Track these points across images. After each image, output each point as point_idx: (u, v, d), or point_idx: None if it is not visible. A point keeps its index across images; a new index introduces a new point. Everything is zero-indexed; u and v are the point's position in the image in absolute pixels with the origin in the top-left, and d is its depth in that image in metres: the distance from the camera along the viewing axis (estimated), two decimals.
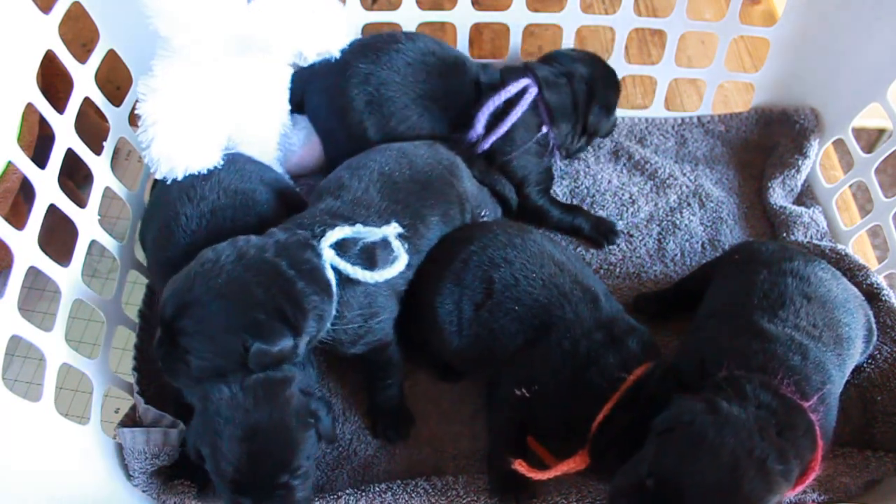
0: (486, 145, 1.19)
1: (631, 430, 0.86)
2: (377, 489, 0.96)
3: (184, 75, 1.03)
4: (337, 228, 0.92)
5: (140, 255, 1.15)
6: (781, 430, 0.79)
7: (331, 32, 1.16)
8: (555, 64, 1.24)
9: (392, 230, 0.95)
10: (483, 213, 1.16)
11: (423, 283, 1.03)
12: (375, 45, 1.19)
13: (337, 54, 1.17)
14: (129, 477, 0.96)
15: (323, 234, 0.91)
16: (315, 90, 1.21)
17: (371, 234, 0.94)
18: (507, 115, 1.17)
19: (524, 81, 1.20)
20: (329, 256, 0.90)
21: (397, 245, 0.95)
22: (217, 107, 1.07)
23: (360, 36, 1.34)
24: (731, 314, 0.95)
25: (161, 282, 1.03)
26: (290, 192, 1.14)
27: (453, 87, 1.20)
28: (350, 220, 0.95)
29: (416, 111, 1.17)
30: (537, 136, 1.20)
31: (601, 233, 1.26)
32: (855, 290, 1.01)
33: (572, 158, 1.35)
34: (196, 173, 1.05)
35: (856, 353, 0.95)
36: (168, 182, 1.05)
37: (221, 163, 1.07)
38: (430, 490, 0.96)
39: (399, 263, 0.94)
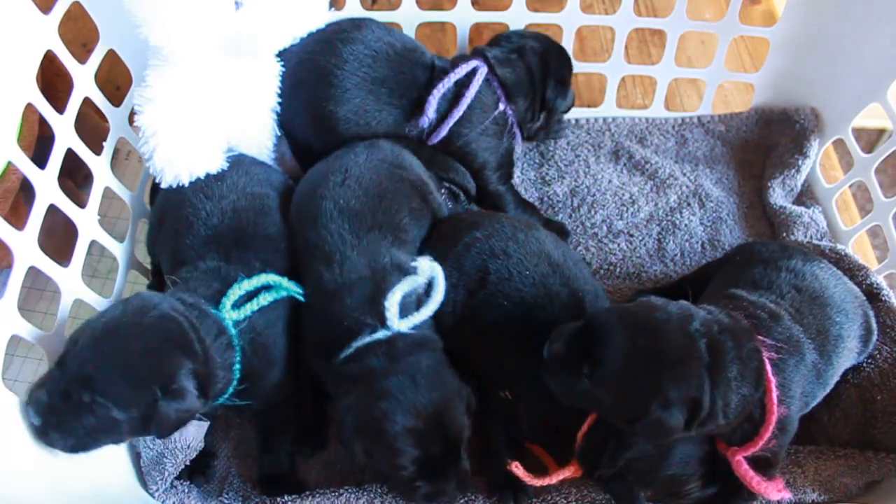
0: (444, 132, 1.17)
1: (618, 441, 0.87)
2: (379, 489, 0.96)
3: (177, 82, 1.03)
4: (392, 296, 0.90)
5: (140, 255, 1.15)
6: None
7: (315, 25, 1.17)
8: (504, 43, 1.23)
9: (427, 262, 0.94)
10: (442, 191, 1.17)
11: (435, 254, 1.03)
12: (321, 36, 1.17)
13: None
14: (144, 485, 0.97)
15: (385, 317, 0.90)
16: None
17: (419, 279, 0.93)
18: (461, 97, 1.16)
19: (473, 63, 1.19)
20: (404, 327, 0.91)
21: (432, 266, 0.95)
22: (213, 110, 1.07)
23: None
24: (715, 297, 0.95)
25: (168, 272, 1.02)
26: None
27: (403, 70, 1.17)
28: (366, 282, 0.94)
29: (359, 95, 1.15)
30: (494, 115, 1.19)
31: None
32: (857, 291, 1.01)
33: (534, 141, 1.34)
34: (208, 175, 1.05)
35: (846, 353, 0.95)
36: (175, 188, 1.05)
37: (226, 165, 1.07)
38: None
39: (440, 283, 0.95)
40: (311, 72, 1.15)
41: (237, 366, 0.90)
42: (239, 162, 1.09)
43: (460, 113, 1.16)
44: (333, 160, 1.08)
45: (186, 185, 1.04)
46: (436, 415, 0.85)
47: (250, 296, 0.94)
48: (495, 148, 1.22)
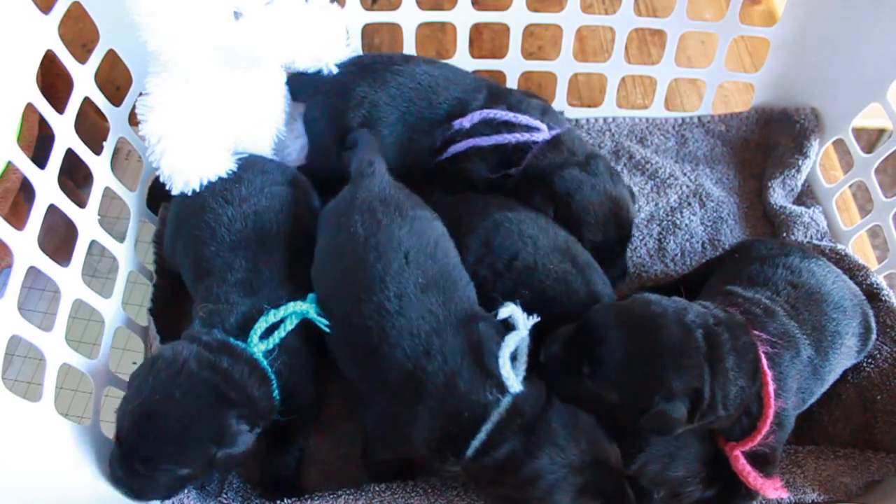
0: (461, 147, 1.15)
1: (627, 440, 0.86)
2: (377, 489, 0.96)
3: (177, 88, 1.03)
4: (504, 361, 0.82)
5: (141, 255, 1.15)
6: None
7: (325, 43, 1.17)
8: (590, 158, 1.13)
9: (512, 308, 0.87)
10: None
11: (454, 224, 1.01)
12: (374, 67, 1.18)
13: (333, 67, 1.17)
14: None
15: (506, 385, 0.83)
16: (316, 105, 1.20)
17: (522, 332, 0.86)
18: (500, 132, 1.13)
19: (541, 124, 1.14)
20: (519, 386, 0.83)
21: (515, 309, 0.88)
22: (216, 114, 1.07)
23: (359, 37, 1.34)
24: (711, 293, 0.96)
25: (192, 279, 1.03)
26: (307, 188, 1.14)
27: (446, 100, 1.16)
28: (470, 357, 0.85)
29: (403, 127, 1.16)
30: (511, 171, 1.15)
31: None
32: (855, 289, 1.01)
33: None
34: (225, 177, 1.05)
35: (844, 351, 0.95)
36: (189, 194, 1.05)
37: (236, 167, 1.07)
38: (430, 490, 0.96)
39: (521, 323, 0.88)
40: (362, 105, 1.16)
41: (276, 392, 0.91)
42: (252, 162, 1.10)
43: (489, 142, 1.14)
44: (370, 239, 0.92)
45: (198, 189, 1.05)
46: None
47: (276, 324, 0.93)
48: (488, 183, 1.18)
